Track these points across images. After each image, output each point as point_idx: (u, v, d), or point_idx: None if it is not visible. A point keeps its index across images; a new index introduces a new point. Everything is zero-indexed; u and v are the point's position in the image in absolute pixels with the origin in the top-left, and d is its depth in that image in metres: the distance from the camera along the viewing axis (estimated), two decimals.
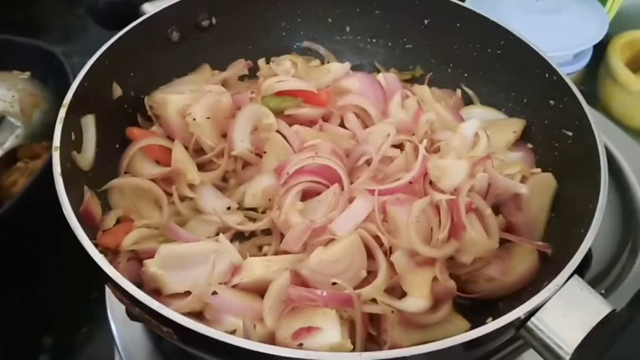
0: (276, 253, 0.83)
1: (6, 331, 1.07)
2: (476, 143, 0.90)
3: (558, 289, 0.66)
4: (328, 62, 1.12)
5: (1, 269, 1.10)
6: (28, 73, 1.24)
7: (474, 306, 0.81)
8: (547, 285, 0.66)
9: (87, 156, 0.83)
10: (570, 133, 0.88)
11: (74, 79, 1.18)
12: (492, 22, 0.99)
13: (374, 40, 1.14)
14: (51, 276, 1.14)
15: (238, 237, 0.86)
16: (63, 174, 0.73)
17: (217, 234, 0.83)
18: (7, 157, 1.10)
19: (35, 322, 1.09)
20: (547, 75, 0.93)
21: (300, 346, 0.67)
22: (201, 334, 0.59)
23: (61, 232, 1.17)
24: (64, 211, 0.69)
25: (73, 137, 0.80)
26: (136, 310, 0.65)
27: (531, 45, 0.95)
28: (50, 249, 1.17)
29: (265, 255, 0.83)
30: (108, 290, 0.94)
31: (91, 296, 1.12)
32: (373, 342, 0.75)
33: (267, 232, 0.87)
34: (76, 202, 0.73)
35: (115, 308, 0.93)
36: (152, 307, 0.61)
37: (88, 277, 1.15)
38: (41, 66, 1.26)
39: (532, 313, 0.65)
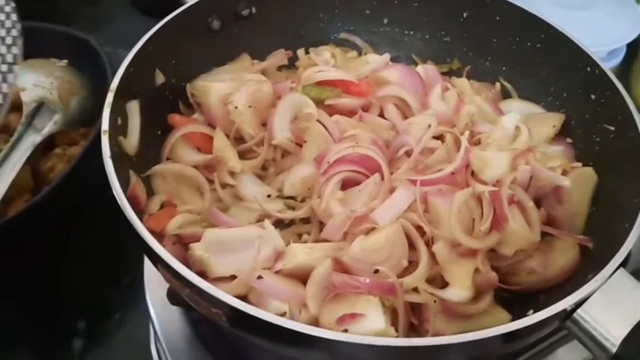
0: (316, 241, 0.83)
1: (42, 316, 1.09)
2: (516, 136, 0.90)
3: (604, 282, 0.65)
4: (365, 54, 1.12)
5: (39, 255, 1.12)
6: (65, 61, 1.26)
7: (514, 298, 0.80)
8: (593, 277, 0.66)
9: (132, 141, 0.84)
10: (612, 128, 0.87)
11: (110, 67, 1.21)
12: (533, 15, 0.99)
13: (411, 33, 1.13)
14: (85, 261, 1.16)
15: (278, 225, 0.86)
16: (112, 157, 0.74)
17: (258, 221, 0.84)
18: (45, 142, 1.11)
19: (69, 307, 1.11)
20: (588, 69, 0.92)
21: (346, 331, 0.67)
22: (252, 316, 0.60)
23: (95, 218, 1.19)
24: (114, 194, 0.70)
25: (119, 122, 0.81)
26: (185, 292, 0.65)
27: (573, 39, 0.95)
28: (85, 235, 1.19)
29: (305, 243, 0.84)
30: (146, 275, 0.95)
31: (124, 282, 1.14)
32: (414, 331, 0.75)
33: (305, 220, 0.87)
34: (123, 186, 0.74)
35: (153, 293, 0.94)
36: (203, 288, 0.61)
37: (120, 263, 1.18)
38: (76, 54, 1.28)
39: (578, 304, 0.64)
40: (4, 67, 0.81)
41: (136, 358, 1.05)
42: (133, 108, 0.86)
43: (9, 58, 0.81)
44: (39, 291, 1.12)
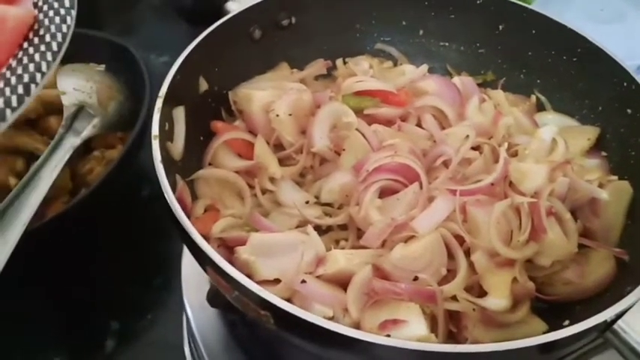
0: (353, 248, 0.84)
1: (75, 317, 1.11)
2: (553, 149, 0.91)
3: None
4: (400, 64, 1.14)
5: (73, 256, 1.14)
6: (103, 66, 1.28)
7: (550, 309, 0.81)
8: (632, 290, 0.67)
9: (178, 146, 0.86)
10: None
11: (147, 72, 1.23)
12: (569, 28, 1.00)
13: (447, 44, 1.15)
14: (118, 263, 1.18)
15: (315, 231, 0.88)
16: (162, 161, 0.76)
17: (297, 226, 0.86)
18: (83, 146, 1.14)
19: (102, 308, 1.13)
20: (625, 83, 0.93)
21: (388, 337, 0.69)
22: (301, 319, 0.61)
23: (128, 220, 1.21)
24: (166, 198, 0.72)
25: (166, 127, 0.83)
26: (233, 294, 0.67)
27: (609, 53, 0.96)
28: (118, 236, 1.21)
29: (343, 249, 0.85)
30: (184, 277, 0.97)
31: (156, 283, 1.16)
32: (452, 338, 0.77)
33: (343, 227, 0.88)
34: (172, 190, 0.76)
35: (190, 295, 0.95)
36: (254, 290, 0.63)
37: (152, 265, 1.20)
38: (112, 59, 1.30)
39: (619, 316, 0.65)
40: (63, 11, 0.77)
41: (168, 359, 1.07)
42: (179, 114, 0.88)
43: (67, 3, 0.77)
44: (73, 291, 1.15)
